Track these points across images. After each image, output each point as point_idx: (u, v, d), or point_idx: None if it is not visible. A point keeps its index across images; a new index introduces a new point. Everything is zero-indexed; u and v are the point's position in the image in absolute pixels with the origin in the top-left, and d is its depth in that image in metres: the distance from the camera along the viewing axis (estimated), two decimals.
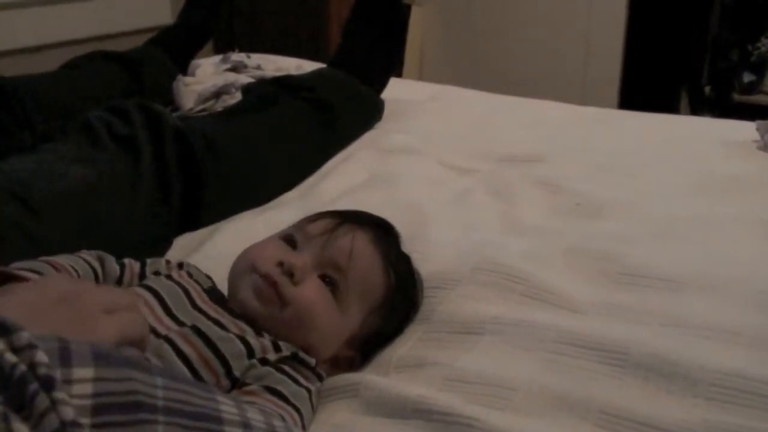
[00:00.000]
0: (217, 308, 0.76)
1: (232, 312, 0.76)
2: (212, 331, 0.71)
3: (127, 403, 0.42)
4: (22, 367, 0.40)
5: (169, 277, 0.79)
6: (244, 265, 0.79)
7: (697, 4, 2.96)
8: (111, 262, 0.80)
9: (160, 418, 0.42)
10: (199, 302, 0.76)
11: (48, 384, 0.39)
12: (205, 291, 0.78)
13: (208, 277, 0.82)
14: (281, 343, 0.74)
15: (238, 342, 0.72)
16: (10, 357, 0.40)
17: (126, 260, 0.81)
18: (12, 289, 0.60)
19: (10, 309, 0.56)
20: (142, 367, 0.44)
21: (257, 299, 0.76)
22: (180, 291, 0.76)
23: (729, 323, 0.81)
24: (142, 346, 0.63)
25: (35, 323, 0.54)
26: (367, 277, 0.80)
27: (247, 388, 0.69)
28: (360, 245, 0.81)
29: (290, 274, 0.76)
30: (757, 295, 0.87)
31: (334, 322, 0.78)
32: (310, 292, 0.77)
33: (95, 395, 0.41)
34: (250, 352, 0.72)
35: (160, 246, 1.05)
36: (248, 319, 0.75)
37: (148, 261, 0.82)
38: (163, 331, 0.70)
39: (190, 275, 0.80)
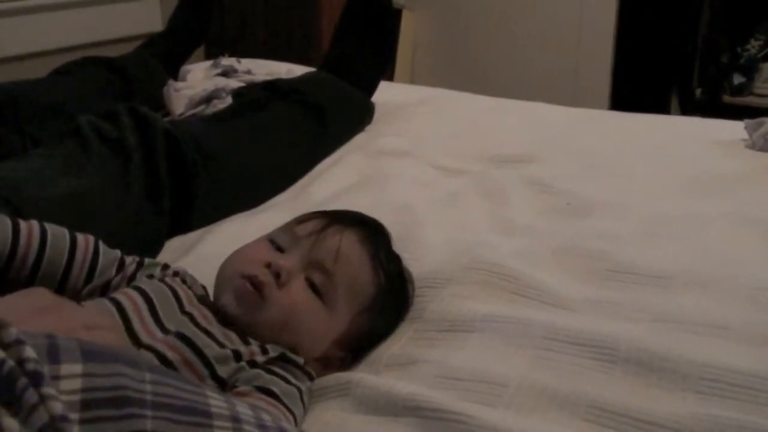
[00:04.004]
0: (206, 313, 0.76)
1: (220, 318, 0.75)
2: (198, 337, 0.71)
3: (115, 397, 0.42)
4: (11, 363, 0.40)
5: (161, 280, 0.79)
6: (231, 268, 0.80)
7: (687, 6, 2.97)
8: (110, 254, 0.80)
9: (149, 412, 0.42)
10: (187, 306, 0.76)
11: (37, 379, 0.40)
12: (197, 297, 0.79)
13: (203, 287, 0.82)
14: (268, 346, 0.74)
15: (225, 348, 0.72)
16: None
17: (127, 258, 0.81)
18: None
19: None
20: (131, 363, 0.44)
21: (239, 303, 0.76)
22: (170, 293, 0.76)
23: (717, 319, 0.81)
24: None
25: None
26: (355, 278, 0.81)
27: (239, 390, 0.69)
28: (347, 246, 0.81)
29: (277, 276, 0.77)
30: (745, 291, 0.87)
31: (320, 323, 0.78)
32: (295, 294, 0.77)
33: (84, 390, 0.41)
34: (237, 357, 0.72)
35: (152, 249, 1.05)
36: (235, 326, 0.75)
37: (146, 262, 0.82)
38: (146, 340, 0.70)
39: (184, 281, 0.80)
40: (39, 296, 0.63)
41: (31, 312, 0.60)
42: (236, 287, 0.76)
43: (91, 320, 0.62)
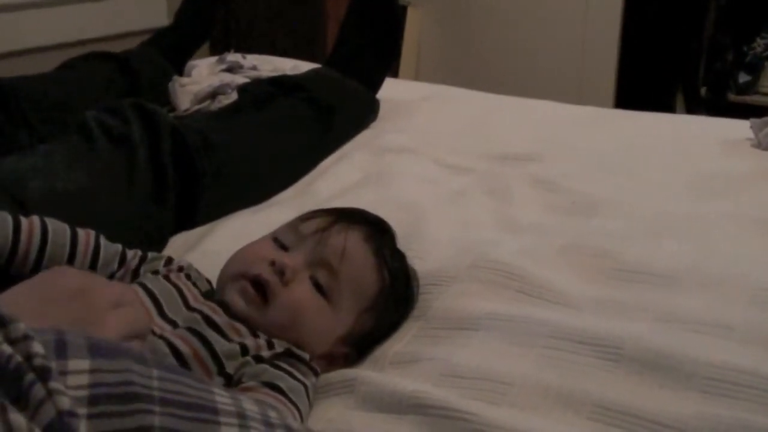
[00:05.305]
0: (213, 306, 0.76)
1: (227, 311, 0.76)
2: (207, 331, 0.72)
3: (123, 393, 0.42)
4: (18, 358, 0.40)
5: (166, 277, 0.79)
6: (234, 268, 0.80)
7: (693, 4, 2.96)
8: (111, 247, 0.80)
9: (156, 408, 0.42)
10: (193, 303, 0.76)
11: (44, 374, 0.40)
12: (202, 293, 0.79)
13: (208, 281, 0.82)
14: (275, 341, 0.74)
15: (233, 342, 0.72)
16: (6, 348, 0.40)
17: (129, 252, 0.81)
18: (27, 282, 0.63)
19: (24, 301, 0.58)
20: (138, 359, 0.44)
21: (242, 304, 0.76)
22: (174, 291, 0.76)
23: (722, 318, 0.81)
24: (144, 339, 0.66)
25: (48, 316, 0.56)
26: (360, 276, 0.81)
27: (245, 385, 0.70)
28: (353, 244, 0.81)
29: (281, 274, 0.77)
30: (750, 291, 0.87)
31: (324, 321, 0.78)
32: (299, 293, 0.77)
33: (91, 386, 0.41)
34: (244, 351, 0.72)
35: (156, 245, 1.05)
36: (244, 320, 0.75)
37: (149, 256, 0.82)
38: (157, 332, 0.71)
39: (188, 277, 0.80)
40: (68, 277, 0.64)
41: (63, 295, 0.61)
42: (239, 289, 0.77)
43: (117, 297, 0.64)
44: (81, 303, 0.60)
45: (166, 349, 0.69)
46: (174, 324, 0.73)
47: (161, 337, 0.70)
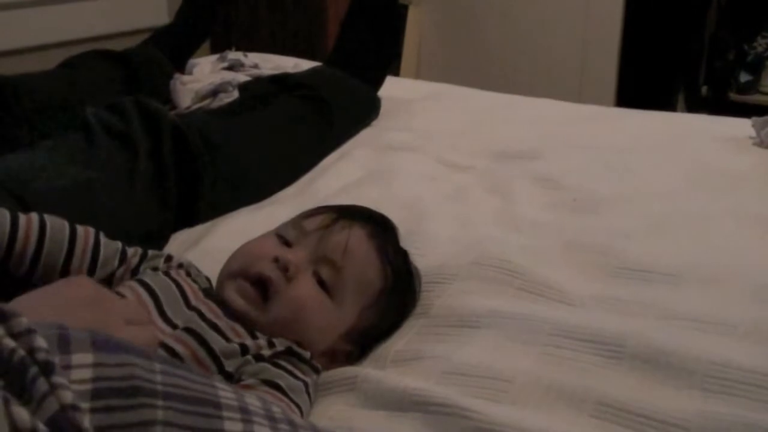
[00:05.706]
0: (213, 307, 0.75)
1: (227, 312, 0.75)
2: (206, 332, 0.71)
3: (126, 387, 0.42)
4: (21, 352, 0.40)
5: (166, 273, 0.78)
6: (236, 264, 0.79)
7: (694, 3, 2.96)
8: (111, 245, 0.80)
9: (159, 402, 0.42)
10: (193, 301, 0.75)
11: (47, 368, 0.40)
12: (202, 290, 0.78)
13: (207, 279, 0.82)
14: (275, 340, 0.74)
15: (232, 342, 0.72)
16: (9, 342, 0.40)
17: (129, 250, 0.81)
18: (41, 289, 0.63)
19: (39, 308, 0.58)
20: (141, 353, 0.44)
21: (242, 300, 0.76)
22: (175, 288, 0.76)
23: (724, 316, 0.81)
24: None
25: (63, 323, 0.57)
26: (363, 273, 0.81)
27: (245, 383, 0.69)
28: (356, 241, 0.81)
29: (285, 270, 0.76)
30: (752, 288, 0.87)
31: (327, 318, 0.78)
32: (303, 289, 0.77)
33: (94, 380, 0.41)
34: (244, 350, 0.72)
35: (157, 243, 1.05)
36: (242, 320, 0.75)
37: (149, 254, 0.82)
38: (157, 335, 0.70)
39: (188, 274, 0.80)
40: (83, 288, 0.64)
41: (78, 305, 0.61)
42: (237, 287, 0.77)
43: (129, 315, 0.64)
44: (96, 312, 0.61)
45: (164, 354, 0.68)
46: (173, 325, 0.72)
47: (160, 343, 0.69)
